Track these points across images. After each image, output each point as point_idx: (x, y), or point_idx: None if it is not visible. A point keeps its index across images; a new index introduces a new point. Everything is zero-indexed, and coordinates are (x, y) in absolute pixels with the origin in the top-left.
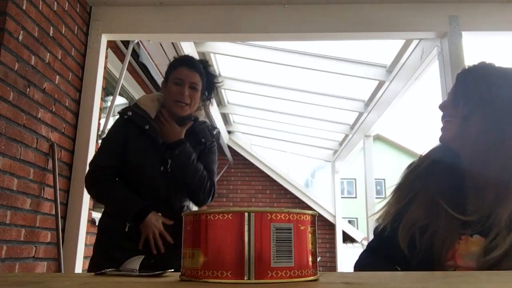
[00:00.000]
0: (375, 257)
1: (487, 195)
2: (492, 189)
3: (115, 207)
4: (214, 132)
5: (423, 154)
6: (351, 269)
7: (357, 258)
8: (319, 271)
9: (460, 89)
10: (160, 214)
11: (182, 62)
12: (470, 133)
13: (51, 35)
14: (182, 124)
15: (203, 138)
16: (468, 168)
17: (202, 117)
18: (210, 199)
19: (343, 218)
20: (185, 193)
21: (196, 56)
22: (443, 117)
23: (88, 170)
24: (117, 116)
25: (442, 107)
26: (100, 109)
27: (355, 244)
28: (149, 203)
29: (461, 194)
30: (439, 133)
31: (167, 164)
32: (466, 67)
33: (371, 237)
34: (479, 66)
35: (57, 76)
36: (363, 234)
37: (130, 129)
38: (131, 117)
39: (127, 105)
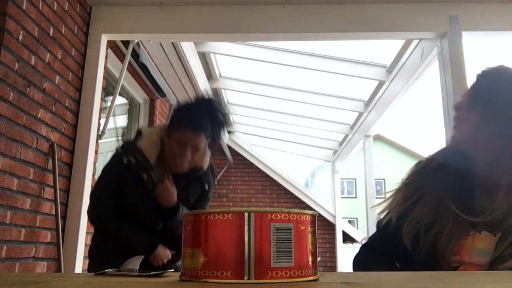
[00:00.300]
0: (374, 253)
1: (498, 197)
2: (504, 191)
3: (124, 243)
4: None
5: (432, 154)
6: (351, 269)
7: (356, 253)
8: (319, 271)
9: (479, 93)
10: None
11: (187, 123)
12: (484, 137)
13: (51, 35)
14: (188, 176)
15: (206, 183)
16: (479, 170)
17: (207, 164)
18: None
19: (343, 218)
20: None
21: (196, 56)
22: (457, 118)
23: (91, 204)
24: (118, 115)
25: (457, 108)
26: (100, 109)
27: (355, 244)
28: (155, 239)
29: (470, 195)
30: (452, 133)
31: (159, 223)
32: (486, 69)
33: None
34: (500, 71)
35: (57, 76)
36: (363, 234)
37: (128, 172)
38: (131, 165)
39: (129, 142)
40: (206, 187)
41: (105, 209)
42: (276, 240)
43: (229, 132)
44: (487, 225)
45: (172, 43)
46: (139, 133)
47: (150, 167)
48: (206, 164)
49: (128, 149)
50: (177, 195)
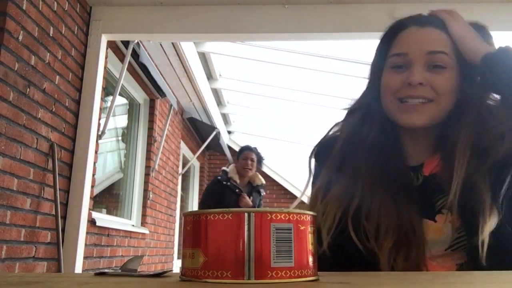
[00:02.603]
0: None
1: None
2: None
3: None
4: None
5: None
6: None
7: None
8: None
9: None
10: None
11: (246, 147)
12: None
13: (51, 35)
14: (253, 190)
15: (262, 189)
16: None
17: (262, 181)
18: None
19: None
20: None
21: (196, 56)
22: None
23: (201, 208)
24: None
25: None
26: (100, 109)
27: None
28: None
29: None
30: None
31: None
32: None
33: None
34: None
35: (57, 76)
36: None
37: (228, 188)
38: (230, 185)
39: (225, 172)
40: (263, 193)
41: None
42: (276, 240)
43: (229, 132)
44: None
45: (172, 43)
46: (224, 171)
47: (237, 183)
48: (261, 181)
49: (224, 177)
50: (252, 201)
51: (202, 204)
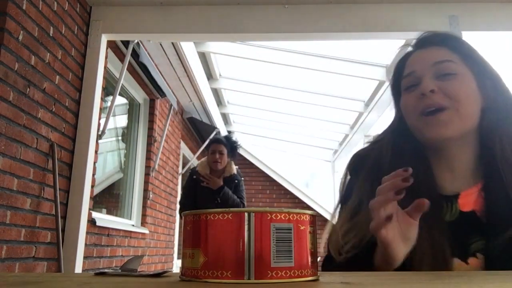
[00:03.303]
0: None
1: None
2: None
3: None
4: (235, 171)
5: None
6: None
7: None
8: (319, 271)
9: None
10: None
11: (213, 140)
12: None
13: (51, 35)
14: (225, 181)
15: (236, 180)
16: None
17: (233, 171)
18: None
19: None
20: None
21: (196, 56)
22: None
23: (180, 208)
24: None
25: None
26: (100, 109)
27: None
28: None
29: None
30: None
31: (218, 200)
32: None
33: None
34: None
35: (57, 76)
36: None
37: (196, 183)
38: (197, 178)
39: (193, 168)
40: (236, 181)
41: (185, 208)
42: (276, 240)
43: (229, 132)
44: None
45: (172, 43)
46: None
47: (205, 176)
48: (232, 171)
49: (193, 172)
50: (222, 186)
51: (180, 205)
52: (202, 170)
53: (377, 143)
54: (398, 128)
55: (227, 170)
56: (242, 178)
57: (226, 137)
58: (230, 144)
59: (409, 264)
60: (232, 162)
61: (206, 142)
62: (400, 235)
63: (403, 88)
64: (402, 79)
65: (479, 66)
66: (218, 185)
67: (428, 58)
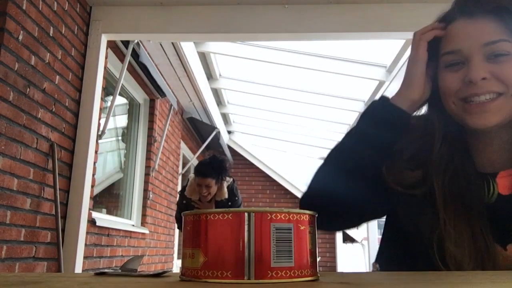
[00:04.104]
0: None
1: None
2: None
3: None
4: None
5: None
6: (351, 269)
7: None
8: (319, 271)
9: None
10: None
11: (198, 172)
12: None
13: (51, 35)
14: (218, 205)
15: (230, 202)
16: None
17: (224, 196)
18: None
19: None
20: None
21: (196, 56)
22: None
23: (176, 221)
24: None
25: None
26: (100, 109)
27: (355, 244)
28: None
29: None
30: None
31: None
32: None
33: (371, 237)
34: None
35: (57, 76)
36: (363, 234)
37: (188, 206)
38: (187, 203)
39: (183, 188)
40: (229, 204)
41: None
42: (276, 240)
43: (229, 132)
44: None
45: (172, 43)
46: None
47: (195, 202)
48: (225, 195)
49: (182, 195)
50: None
51: (176, 220)
52: (192, 195)
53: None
54: (429, 110)
55: (218, 195)
56: (237, 198)
57: (211, 163)
58: (216, 171)
59: (449, 255)
60: (224, 184)
61: (206, 143)
62: None
63: (444, 64)
64: (442, 53)
65: None
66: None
67: (478, 35)
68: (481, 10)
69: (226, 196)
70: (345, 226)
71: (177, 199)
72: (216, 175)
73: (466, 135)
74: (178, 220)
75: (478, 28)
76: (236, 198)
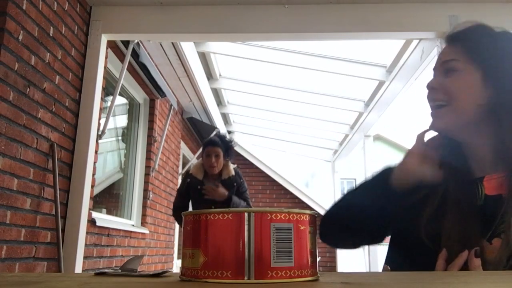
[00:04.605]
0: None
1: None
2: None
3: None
4: (233, 169)
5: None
6: (351, 269)
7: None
8: (319, 271)
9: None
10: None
11: (207, 142)
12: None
13: (51, 35)
14: (223, 184)
15: (235, 183)
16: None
17: (231, 173)
18: None
19: None
20: None
21: (196, 56)
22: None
23: (172, 208)
24: (119, 113)
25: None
26: (100, 109)
27: None
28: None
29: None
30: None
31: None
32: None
33: None
34: (477, 28)
35: (57, 76)
36: None
37: (190, 186)
38: (190, 182)
39: (187, 170)
40: (235, 185)
41: (178, 212)
42: (276, 240)
43: (229, 132)
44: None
45: (172, 43)
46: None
47: (200, 180)
48: (230, 173)
49: (187, 175)
50: (230, 197)
51: (173, 208)
52: (197, 174)
53: None
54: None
55: (224, 173)
56: (243, 181)
57: (220, 137)
58: (225, 145)
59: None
60: (229, 162)
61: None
62: None
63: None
64: None
65: (490, 62)
66: (223, 196)
67: (441, 55)
68: (452, 39)
69: (233, 173)
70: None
71: (179, 185)
72: (225, 147)
73: (460, 144)
74: (177, 208)
75: (442, 51)
76: (242, 181)
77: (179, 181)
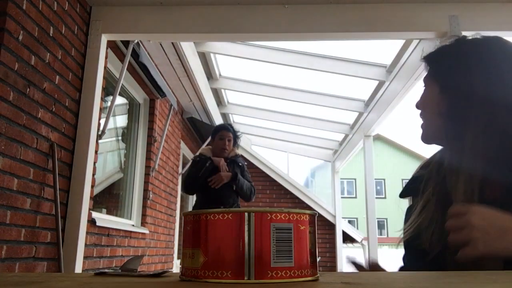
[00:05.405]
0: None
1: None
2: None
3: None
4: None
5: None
6: (351, 269)
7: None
8: (319, 271)
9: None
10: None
11: (222, 127)
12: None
13: (51, 35)
14: (230, 163)
15: (240, 163)
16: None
17: (236, 152)
18: (254, 196)
19: (343, 218)
20: (239, 196)
21: (196, 56)
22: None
23: (183, 184)
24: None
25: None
26: (100, 109)
27: (355, 244)
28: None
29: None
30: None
31: (233, 186)
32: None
33: (371, 237)
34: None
35: (57, 76)
36: (363, 234)
37: (199, 163)
38: (200, 160)
39: (195, 155)
40: (240, 164)
41: (190, 177)
42: (276, 240)
43: None
44: None
45: (172, 43)
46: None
47: (209, 157)
48: (236, 152)
49: (197, 156)
50: (235, 173)
51: (186, 178)
52: (206, 153)
53: None
54: None
55: (231, 154)
56: (246, 164)
57: (230, 125)
58: (234, 134)
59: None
60: (235, 149)
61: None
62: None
63: None
64: None
65: (447, 78)
66: (228, 176)
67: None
68: (428, 59)
69: (238, 152)
70: None
71: (188, 166)
72: (234, 134)
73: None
74: (192, 181)
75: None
76: (246, 164)
77: (179, 181)
